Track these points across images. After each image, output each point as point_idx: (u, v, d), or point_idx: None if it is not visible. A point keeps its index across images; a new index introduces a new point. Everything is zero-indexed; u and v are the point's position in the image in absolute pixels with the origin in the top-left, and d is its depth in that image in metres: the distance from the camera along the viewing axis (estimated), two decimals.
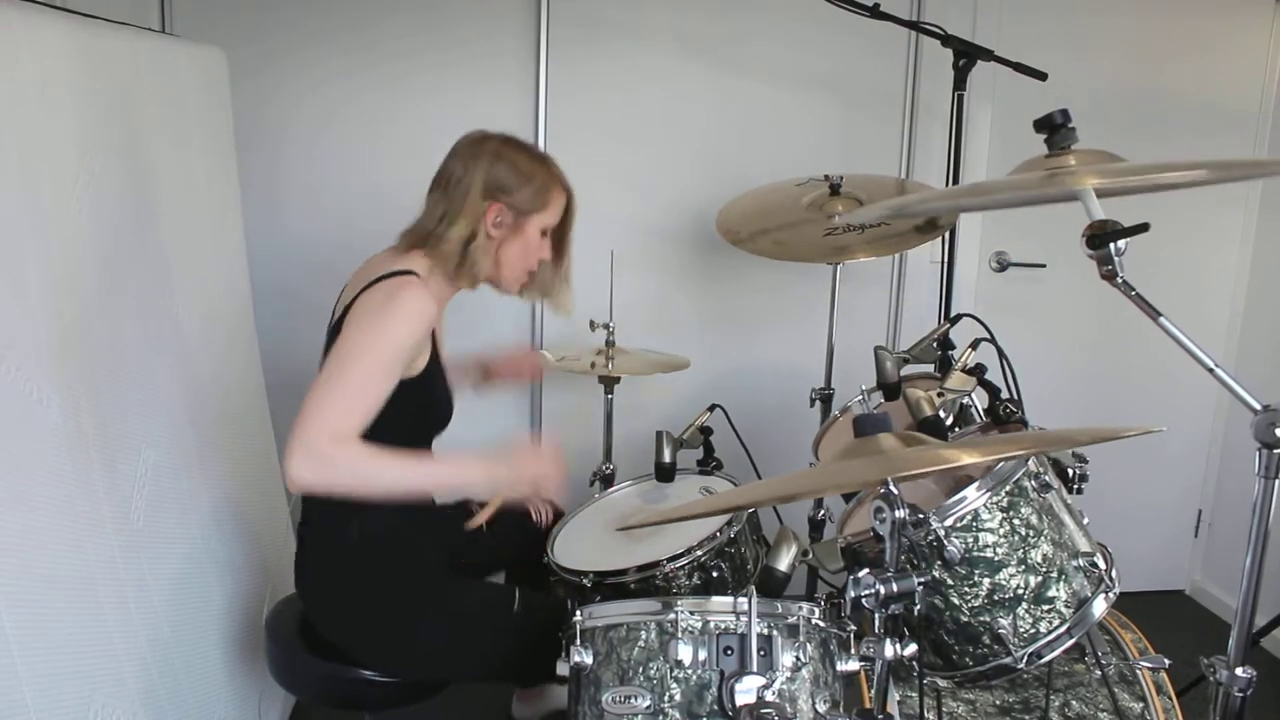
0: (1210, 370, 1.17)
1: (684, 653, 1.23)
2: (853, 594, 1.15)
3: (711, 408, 2.13)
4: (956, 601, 1.38)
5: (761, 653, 1.23)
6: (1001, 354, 1.74)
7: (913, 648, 1.20)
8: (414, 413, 1.61)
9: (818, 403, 2.50)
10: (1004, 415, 1.65)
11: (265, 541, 2.16)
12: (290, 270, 2.60)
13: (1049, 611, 1.37)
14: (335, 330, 1.59)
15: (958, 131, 2.42)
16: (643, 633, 1.27)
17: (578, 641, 1.30)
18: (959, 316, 1.91)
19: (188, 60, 2.07)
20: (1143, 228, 1.18)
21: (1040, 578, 1.37)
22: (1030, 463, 1.41)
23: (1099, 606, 1.39)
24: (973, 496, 1.36)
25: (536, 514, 1.97)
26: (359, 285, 1.59)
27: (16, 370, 1.33)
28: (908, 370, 1.89)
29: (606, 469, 2.38)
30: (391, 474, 1.48)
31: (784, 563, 1.42)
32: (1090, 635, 1.58)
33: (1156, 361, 2.96)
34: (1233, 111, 2.96)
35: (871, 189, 2.41)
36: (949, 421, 1.70)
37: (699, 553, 1.65)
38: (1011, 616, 1.37)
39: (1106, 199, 1.24)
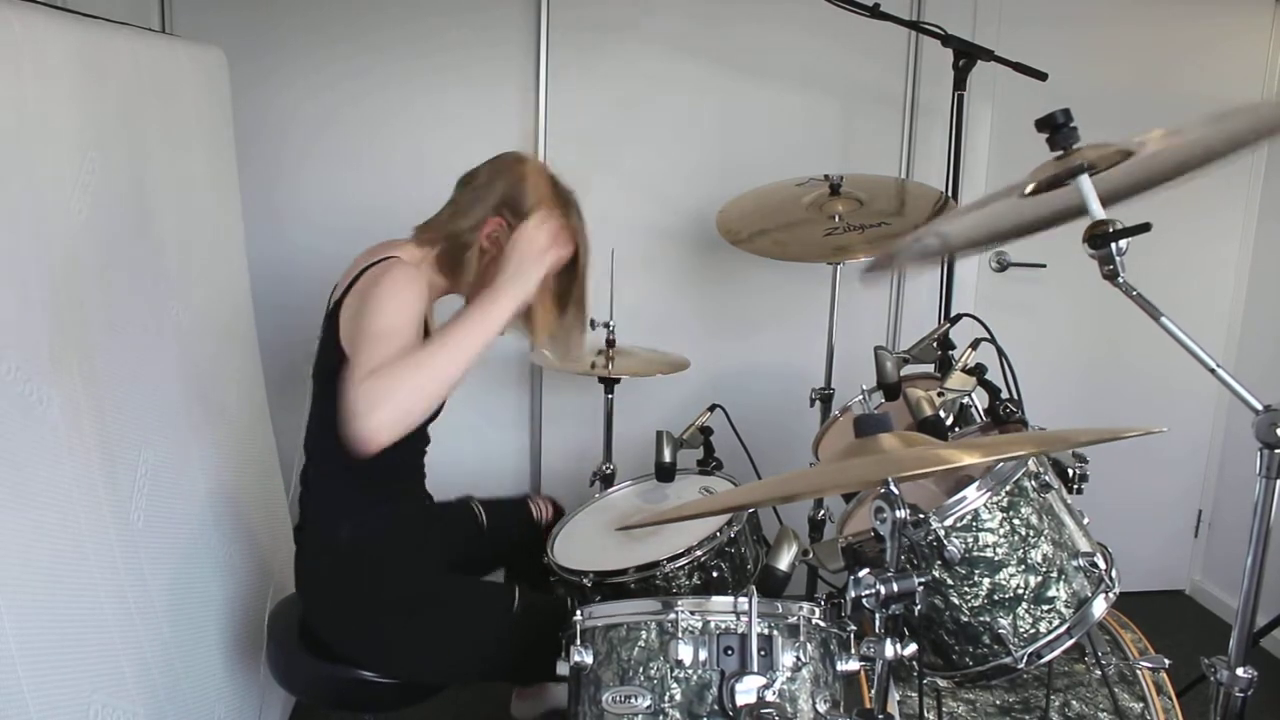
0: (1211, 370, 1.17)
1: (684, 652, 1.23)
2: (854, 594, 1.15)
3: (711, 408, 2.13)
4: (956, 601, 1.38)
5: (762, 652, 1.23)
6: (1001, 354, 1.74)
7: (912, 648, 1.20)
8: None
9: (818, 403, 2.50)
10: (1004, 415, 1.65)
11: (265, 541, 2.16)
12: (290, 270, 2.60)
13: (1049, 611, 1.37)
14: (331, 327, 1.58)
15: (958, 132, 2.42)
16: (643, 632, 1.27)
17: (578, 641, 1.30)
18: (959, 316, 1.91)
19: (188, 60, 2.07)
20: (1144, 227, 1.18)
21: (1040, 578, 1.37)
22: (1030, 463, 1.41)
23: (1099, 606, 1.39)
24: (973, 496, 1.36)
25: (537, 510, 1.97)
26: (347, 280, 1.60)
27: (16, 370, 1.33)
28: (908, 370, 1.90)
29: (606, 469, 2.39)
30: (441, 360, 1.42)
31: (784, 562, 1.42)
32: (1090, 635, 1.57)
33: (1157, 361, 2.96)
34: None
35: (871, 189, 2.41)
36: (949, 421, 1.70)
37: (699, 553, 1.65)
38: (1011, 616, 1.37)
39: (1107, 201, 1.23)
